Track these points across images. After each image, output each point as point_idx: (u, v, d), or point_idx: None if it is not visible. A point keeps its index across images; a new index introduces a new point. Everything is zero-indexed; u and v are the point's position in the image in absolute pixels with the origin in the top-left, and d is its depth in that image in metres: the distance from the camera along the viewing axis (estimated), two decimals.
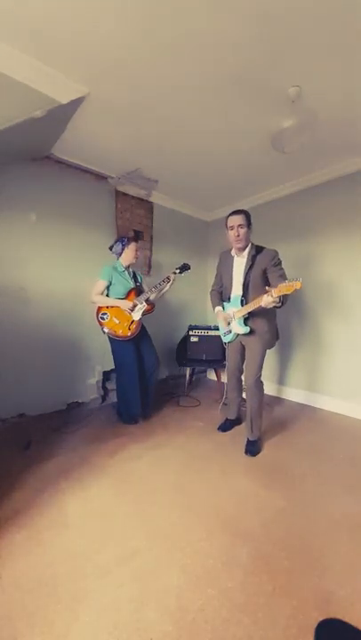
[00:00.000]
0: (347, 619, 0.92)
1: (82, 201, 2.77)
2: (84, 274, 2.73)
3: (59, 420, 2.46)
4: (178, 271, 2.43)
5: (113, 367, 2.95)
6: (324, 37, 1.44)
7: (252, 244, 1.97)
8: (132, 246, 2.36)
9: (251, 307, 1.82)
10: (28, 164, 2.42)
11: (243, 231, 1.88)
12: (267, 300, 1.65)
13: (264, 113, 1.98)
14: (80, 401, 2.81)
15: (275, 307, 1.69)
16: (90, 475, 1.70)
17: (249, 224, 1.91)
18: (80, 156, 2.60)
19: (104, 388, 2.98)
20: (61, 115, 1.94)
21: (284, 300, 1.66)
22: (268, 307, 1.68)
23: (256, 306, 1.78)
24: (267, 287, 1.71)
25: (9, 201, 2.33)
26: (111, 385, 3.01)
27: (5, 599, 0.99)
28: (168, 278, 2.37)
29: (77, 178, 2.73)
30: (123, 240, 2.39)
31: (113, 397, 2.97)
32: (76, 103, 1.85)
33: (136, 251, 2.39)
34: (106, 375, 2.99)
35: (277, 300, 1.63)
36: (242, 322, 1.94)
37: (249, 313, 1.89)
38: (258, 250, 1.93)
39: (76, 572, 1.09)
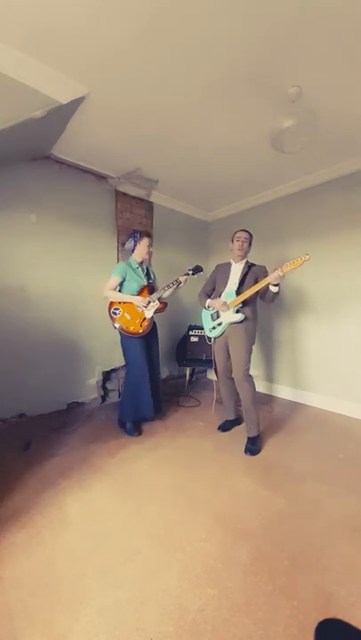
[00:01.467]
0: (347, 619, 0.92)
1: (82, 201, 2.77)
2: (84, 274, 2.73)
3: (59, 420, 2.46)
4: (190, 272, 2.41)
5: (113, 367, 2.97)
6: (325, 37, 1.44)
7: (247, 260, 2.25)
8: (145, 241, 2.33)
9: (255, 288, 1.98)
10: (28, 164, 2.42)
11: (245, 244, 2.18)
12: (275, 276, 1.85)
13: (264, 113, 1.98)
14: (80, 401, 2.81)
15: (273, 290, 1.94)
16: (90, 475, 1.70)
17: (250, 243, 2.22)
18: (80, 156, 2.60)
19: (104, 388, 2.98)
20: (61, 115, 1.94)
21: (280, 284, 1.94)
22: (275, 282, 1.89)
23: (259, 287, 1.96)
24: (273, 269, 1.91)
25: (9, 201, 2.33)
26: (111, 385, 3.01)
27: (5, 599, 0.99)
28: (180, 279, 2.34)
29: (77, 178, 2.73)
30: (135, 235, 2.35)
31: (113, 397, 2.97)
32: (75, 103, 1.85)
33: (148, 246, 2.36)
34: (106, 375, 2.99)
35: (282, 277, 1.86)
36: (235, 310, 2.06)
37: (242, 302, 2.04)
38: (252, 264, 2.20)
39: (76, 572, 1.09)
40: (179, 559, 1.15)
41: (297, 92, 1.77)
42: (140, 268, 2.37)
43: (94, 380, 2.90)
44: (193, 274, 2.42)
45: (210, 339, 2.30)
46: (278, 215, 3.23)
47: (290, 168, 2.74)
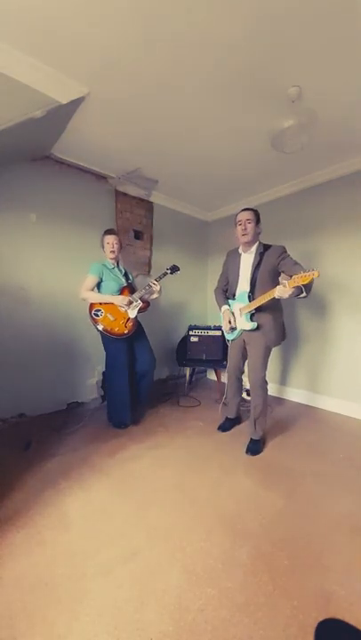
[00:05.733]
0: (347, 619, 0.92)
1: (82, 201, 2.77)
2: (84, 274, 2.71)
3: (59, 420, 2.46)
4: (169, 271, 2.39)
5: None
6: (325, 37, 1.44)
7: (260, 242, 1.97)
8: (106, 239, 2.26)
9: (260, 301, 1.79)
10: (28, 164, 2.42)
11: (250, 226, 1.89)
12: (281, 292, 1.62)
13: (264, 113, 1.98)
14: (80, 401, 2.81)
15: (300, 297, 1.66)
16: (90, 475, 1.70)
17: (258, 221, 1.93)
18: (80, 156, 2.60)
19: (104, 388, 2.98)
20: (61, 115, 1.94)
21: (307, 289, 1.62)
22: (285, 297, 1.64)
23: (266, 299, 1.76)
24: (280, 278, 1.68)
25: (9, 201, 2.33)
26: None
27: (5, 599, 0.99)
28: (152, 284, 2.28)
29: (77, 178, 2.73)
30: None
31: None
32: (75, 103, 1.85)
33: (109, 244, 2.26)
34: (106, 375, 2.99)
35: (295, 291, 1.60)
36: (248, 317, 1.92)
37: (256, 308, 1.86)
38: (266, 247, 1.92)
39: (76, 572, 1.09)
40: (179, 559, 1.15)
41: (297, 92, 1.77)
42: (115, 269, 2.33)
43: (94, 379, 2.90)
44: (171, 273, 2.40)
45: (228, 340, 2.21)
46: (278, 215, 3.22)
47: (290, 168, 2.74)
